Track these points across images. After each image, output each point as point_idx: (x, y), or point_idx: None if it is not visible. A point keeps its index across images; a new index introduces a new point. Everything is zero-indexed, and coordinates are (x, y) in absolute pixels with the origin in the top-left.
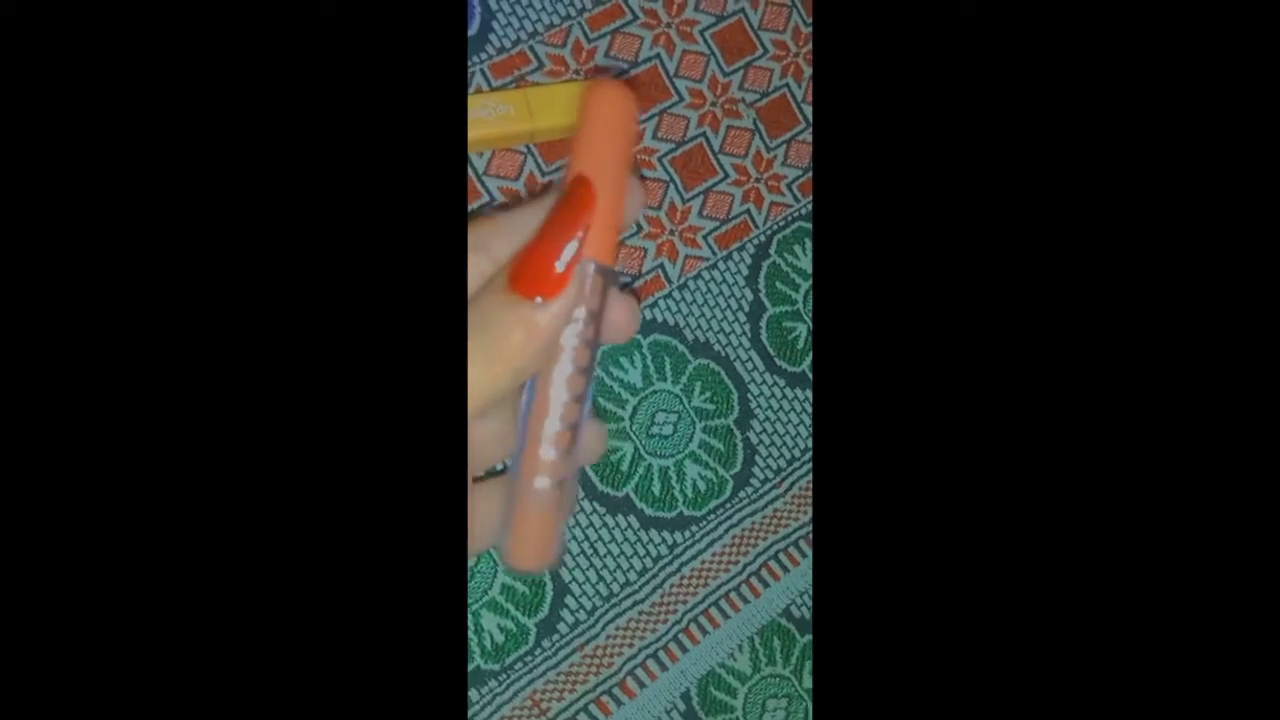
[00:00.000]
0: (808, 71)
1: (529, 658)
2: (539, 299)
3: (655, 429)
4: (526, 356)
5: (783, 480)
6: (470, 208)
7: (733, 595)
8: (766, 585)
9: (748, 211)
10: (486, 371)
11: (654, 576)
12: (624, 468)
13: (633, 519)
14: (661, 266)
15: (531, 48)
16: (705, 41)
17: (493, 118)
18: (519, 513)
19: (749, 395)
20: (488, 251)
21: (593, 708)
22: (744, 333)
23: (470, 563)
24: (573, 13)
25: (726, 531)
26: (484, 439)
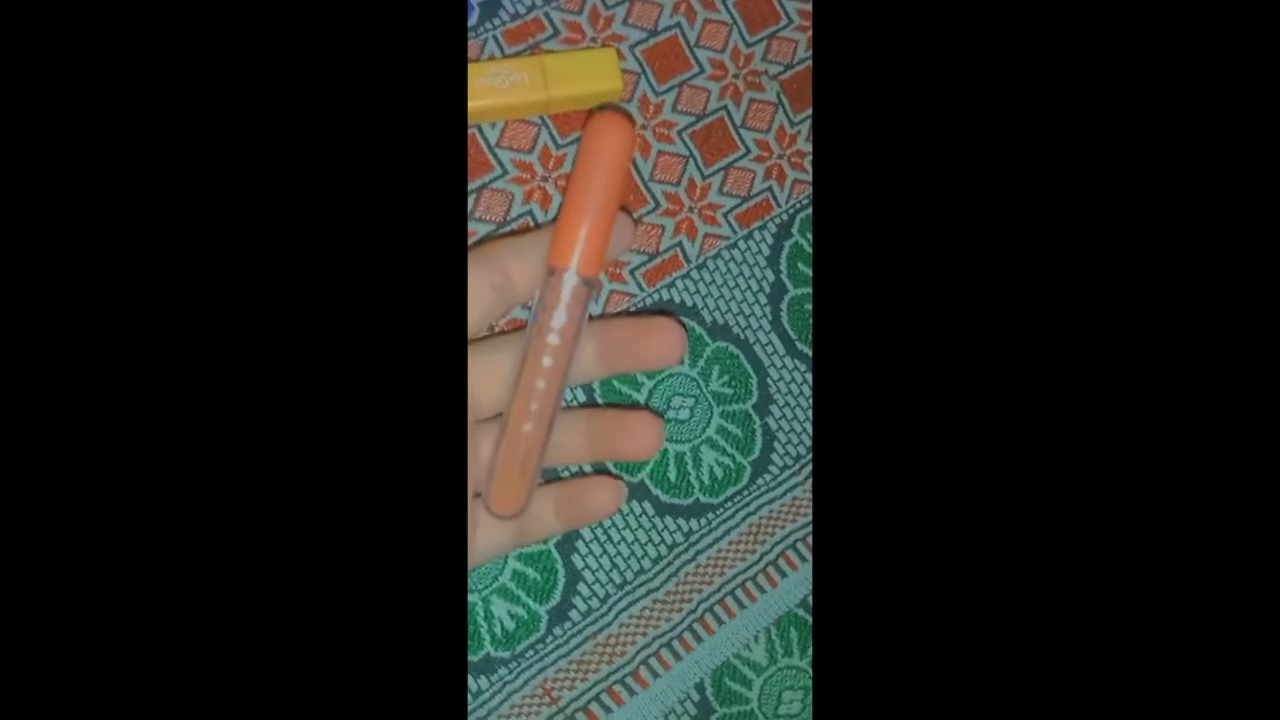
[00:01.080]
0: None
1: (540, 645)
2: None
3: (671, 413)
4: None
5: (802, 468)
6: (478, 183)
7: (749, 585)
8: (784, 575)
9: (770, 189)
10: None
11: (668, 564)
12: None
13: (647, 505)
14: (680, 245)
15: (546, 14)
16: (727, 9)
17: (505, 86)
18: (499, 464)
19: (769, 380)
20: (501, 268)
21: (605, 697)
22: (764, 315)
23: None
24: None
25: (744, 519)
26: (487, 379)
